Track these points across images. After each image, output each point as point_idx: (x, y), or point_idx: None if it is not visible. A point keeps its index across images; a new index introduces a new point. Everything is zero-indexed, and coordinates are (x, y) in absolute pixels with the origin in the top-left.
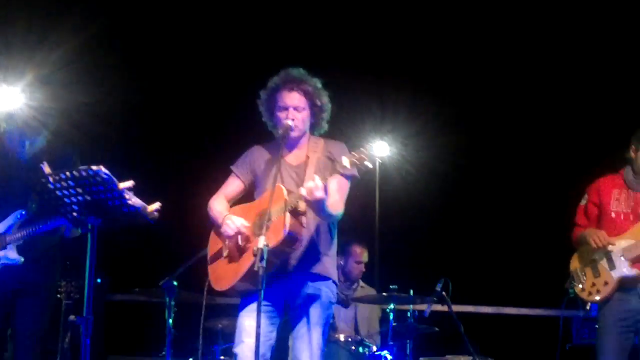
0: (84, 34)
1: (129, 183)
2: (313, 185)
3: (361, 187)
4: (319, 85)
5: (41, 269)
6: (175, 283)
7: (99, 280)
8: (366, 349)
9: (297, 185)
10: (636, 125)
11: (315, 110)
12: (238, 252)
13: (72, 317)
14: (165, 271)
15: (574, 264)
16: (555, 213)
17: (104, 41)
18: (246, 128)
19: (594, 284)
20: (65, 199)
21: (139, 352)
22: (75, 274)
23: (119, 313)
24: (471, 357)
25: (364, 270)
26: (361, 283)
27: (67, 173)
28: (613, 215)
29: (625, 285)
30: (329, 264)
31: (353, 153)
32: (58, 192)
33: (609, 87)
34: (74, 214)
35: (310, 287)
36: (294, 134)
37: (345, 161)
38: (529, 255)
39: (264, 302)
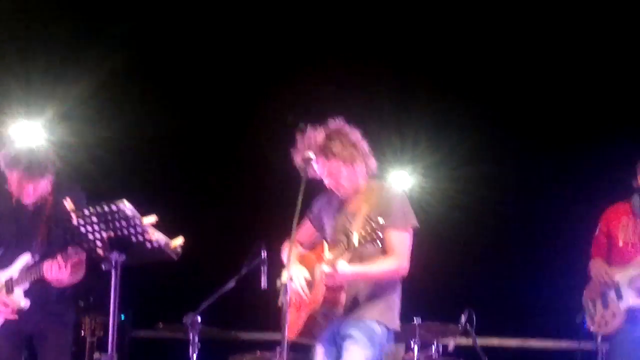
0: (104, 69)
1: (152, 218)
2: (326, 270)
3: None
4: (332, 138)
5: (55, 312)
6: (199, 319)
7: (122, 317)
8: None
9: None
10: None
11: (345, 159)
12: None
13: (97, 355)
14: (189, 307)
15: (586, 295)
16: (580, 242)
17: (124, 76)
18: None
19: (603, 316)
20: (89, 235)
21: None
22: (99, 311)
23: (142, 349)
24: None
25: None
26: None
27: (91, 209)
28: (621, 244)
29: (634, 316)
30: (376, 307)
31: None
32: (81, 229)
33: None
34: (98, 250)
35: (351, 328)
36: (343, 193)
37: (355, 237)
38: (554, 286)
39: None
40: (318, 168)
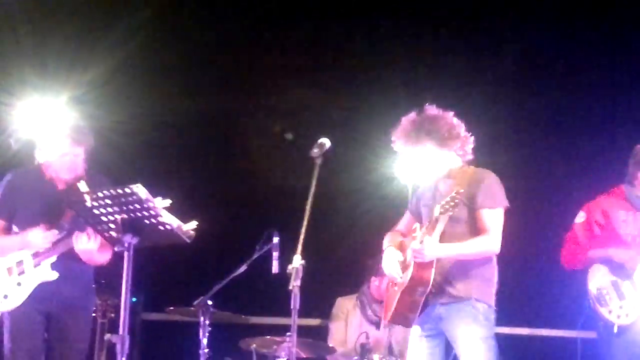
0: (119, 54)
1: (166, 202)
2: (417, 247)
3: (394, 207)
4: (423, 123)
5: (78, 287)
6: (209, 302)
7: (133, 299)
8: None
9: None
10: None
11: (436, 143)
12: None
13: (108, 336)
14: (200, 290)
15: (594, 283)
16: None
17: (139, 60)
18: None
19: (622, 307)
20: (102, 217)
21: None
22: (110, 293)
23: (153, 332)
24: None
25: None
26: None
27: (105, 191)
28: (623, 238)
29: None
30: (472, 285)
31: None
32: (95, 211)
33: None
34: (111, 232)
35: (452, 312)
36: (436, 177)
37: (437, 209)
38: (562, 277)
39: (427, 326)
40: (411, 153)
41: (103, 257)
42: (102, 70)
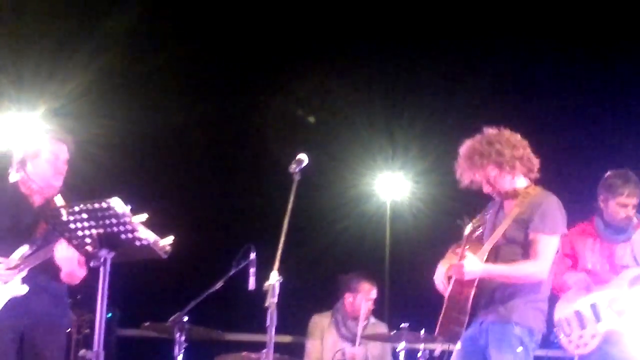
0: (96, 66)
1: (143, 217)
2: (455, 263)
3: (372, 224)
4: (485, 144)
5: (50, 302)
6: (185, 318)
7: (109, 315)
8: None
9: None
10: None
11: (498, 164)
12: None
13: (82, 352)
14: (176, 306)
15: (558, 314)
16: None
17: (116, 73)
18: (258, 164)
19: (581, 336)
20: (78, 232)
21: None
22: (85, 308)
23: (128, 348)
24: None
25: (372, 307)
26: (372, 320)
27: (81, 206)
28: (589, 266)
29: (611, 337)
30: (515, 309)
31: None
32: (71, 225)
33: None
34: (87, 246)
35: (490, 333)
36: (500, 197)
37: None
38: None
39: (467, 343)
40: (474, 175)
41: (81, 272)
42: (79, 82)
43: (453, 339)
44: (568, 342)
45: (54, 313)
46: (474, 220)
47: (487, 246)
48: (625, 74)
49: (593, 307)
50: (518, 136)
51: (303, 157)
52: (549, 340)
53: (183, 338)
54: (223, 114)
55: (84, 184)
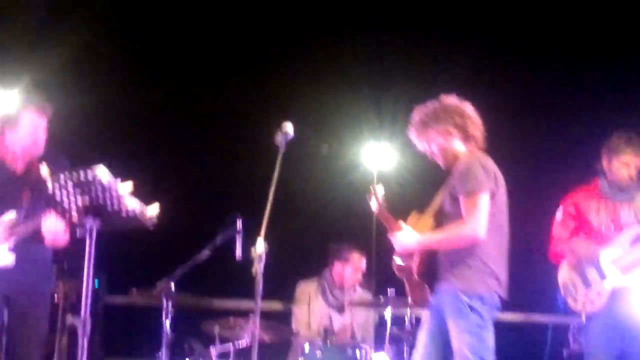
0: (80, 38)
1: (129, 186)
2: (390, 237)
3: (359, 194)
4: (432, 112)
5: (35, 270)
6: (172, 285)
7: (96, 282)
8: (363, 351)
9: None
10: (606, 136)
11: (442, 132)
12: None
13: (70, 319)
14: (163, 274)
15: (563, 275)
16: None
17: (99, 44)
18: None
19: (586, 295)
20: (64, 201)
21: (136, 354)
22: (72, 276)
23: (115, 315)
24: None
25: (360, 279)
26: (358, 289)
27: (67, 175)
28: (595, 226)
29: (617, 294)
30: (455, 276)
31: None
32: (57, 194)
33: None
34: (73, 216)
35: (441, 303)
36: (444, 166)
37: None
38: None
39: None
40: (421, 141)
41: (64, 240)
42: (62, 55)
43: (425, 304)
44: (574, 302)
45: (38, 278)
46: None
47: (427, 215)
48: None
49: (597, 265)
50: (466, 105)
51: (289, 128)
52: (554, 305)
53: (170, 305)
54: (209, 84)
55: (67, 156)
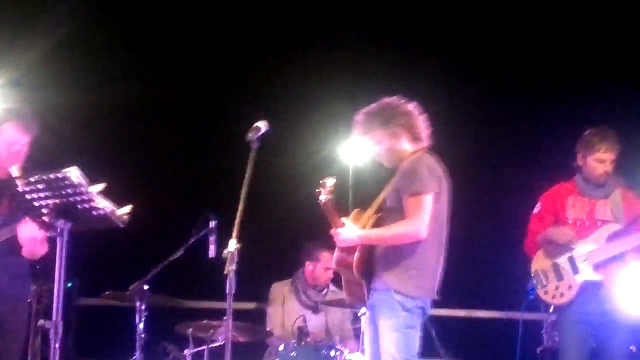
0: (55, 37)
1: (100, 186)
2: (333, 232)
3: (334, 190)
4: (375, 112)
5: (13, 277)
6: (146, 287)
7: (69, 284)
8: (337, 352)
9: None
10: (580, 133)
11: (386, 133)
12: None
13: (41, 322)
14: (137, 275)
15: (536, 266)
16: (523, 215)
17: (76, 43)
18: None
19: (557, 287)
20: (35, 203)
21: (110, 356)
22: (45, 278)
23: (89, 317)
24: None
25: (332, 276)
26: (331, 287)
27: (37, 177)
28: (570, 222)
29: (587, 289)
30: (391, 274)
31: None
32: (27, 196)
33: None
34: (44, 217)
35: (375, 300)
36: (389, 165)
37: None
38: (499, 258)
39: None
40: (366, 142)
41: (42, 249)
42: (39, 52)
43: (362, 301)
44: (544, 293)
45: (14, 288)
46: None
47: (369, 213)
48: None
49: (571, 259)
50: (411, 104)
51: (261, 125)
52: (525, 298)
53: (144, 306)
54: (182, 82)
55: (43, 154)
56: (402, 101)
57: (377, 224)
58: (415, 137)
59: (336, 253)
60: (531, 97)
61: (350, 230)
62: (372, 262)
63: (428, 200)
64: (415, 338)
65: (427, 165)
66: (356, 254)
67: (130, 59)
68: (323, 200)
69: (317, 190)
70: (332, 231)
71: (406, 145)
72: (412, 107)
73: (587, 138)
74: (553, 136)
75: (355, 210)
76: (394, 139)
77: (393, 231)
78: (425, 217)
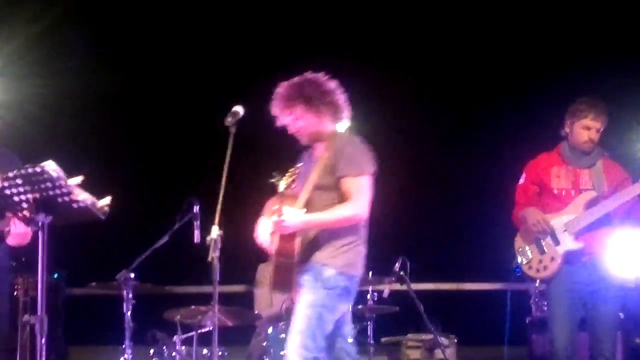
0: (36, 27)
1: (78, 179)
2: (275, 219)
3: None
4: (297, 86)
5: None
6: (132, 275)
7: (55, 276)
8: None
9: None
10: (568, 104)
11: (308, 107)
12: None
13: (27, 317)
14: (123, 264)
15: (519, 242)
16: (510, 190)
17: (56, 33)
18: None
19: (540, 261)
20: (14, 197)
21: (100, 342)
22: (32, 271)
23: (77, 307)
24: (432, 335)
25: None
26: None
27: (15, 172)
28: (555, 192)
29: (571, 258)
30: (325, 251)
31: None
32: (6, 191)
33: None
34: (24, 212)
35: (302, 276)
36: (308, 142)
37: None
38: (485, 231)
39: None
40: (285, 115)
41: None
42: (19, 44)
43: (287, 288)
44: (528, 267)
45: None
46: (287, 175)
47: (302, 197)
48: None
49: (551, 233)
50: (333, 82)
51: (238, 109)
52: (509, 271)
53: (131, 295)
54: (161, 70)
55: (24, 144)
56: (326, 78)
57: (309, 204)
58: (337, 117)
59: (277, 244)
60: (521, 70)
61: (292, 216)
62: (305, 245)
63: (367, 181)
64: (328, 320)
65: (363, 147)
66: (297, 239)
67: (106, 48)
68: (282, 187)
69: (275, 179)
70: (275, 219)
71: (328, 124)
72: (335, 85)
73: (576, 105)
74: (539, 108)
75: (273, 198)
76: (316, 117)
77: (337, 214)
78: (366, 199)
